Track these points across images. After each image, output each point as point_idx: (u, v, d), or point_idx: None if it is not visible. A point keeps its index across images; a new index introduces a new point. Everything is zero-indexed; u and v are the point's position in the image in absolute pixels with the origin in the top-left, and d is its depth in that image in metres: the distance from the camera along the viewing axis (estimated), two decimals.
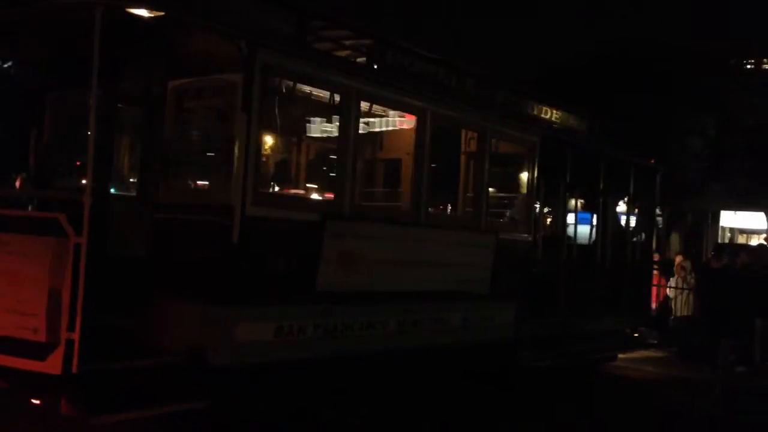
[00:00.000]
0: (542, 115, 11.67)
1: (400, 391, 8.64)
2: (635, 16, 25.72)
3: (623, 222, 13.83)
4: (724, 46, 24.59)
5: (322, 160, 10.10)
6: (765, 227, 29.55)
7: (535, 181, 10.67)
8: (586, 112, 13.27)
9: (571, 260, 11.68)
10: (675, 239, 28.05)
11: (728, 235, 33.84)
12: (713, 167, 21.18)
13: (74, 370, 5.78)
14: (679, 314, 16.63)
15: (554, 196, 12.04)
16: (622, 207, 14.19)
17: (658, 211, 15.28)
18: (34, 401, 6.14)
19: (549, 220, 13.71)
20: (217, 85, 7.30)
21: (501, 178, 11.22)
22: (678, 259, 17.85)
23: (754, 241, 32.32)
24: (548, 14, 28.92)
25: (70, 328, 5.76)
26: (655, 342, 15.30)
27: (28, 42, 7.46)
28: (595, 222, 13.35)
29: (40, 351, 5.84)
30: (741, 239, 33.79)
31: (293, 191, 9.52)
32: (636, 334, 14.34)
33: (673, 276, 17.20)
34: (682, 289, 16.66)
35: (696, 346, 14.76)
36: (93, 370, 5.94)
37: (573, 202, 12.76)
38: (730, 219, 32.90)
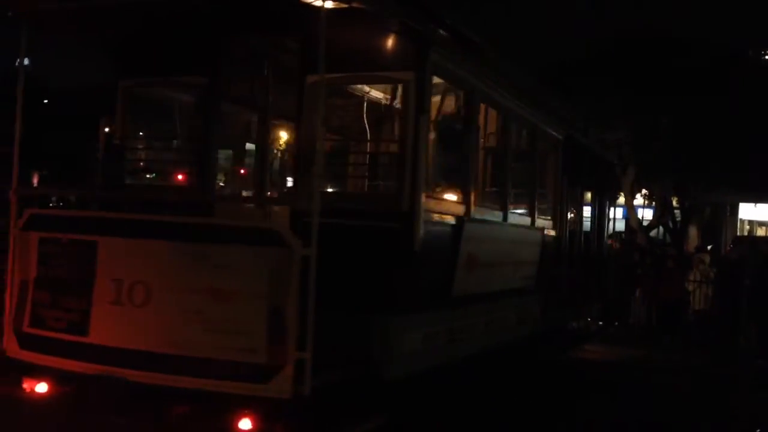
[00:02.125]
0: (562, 113, 11.68)
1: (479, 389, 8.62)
2: (640, 11, 25.55)
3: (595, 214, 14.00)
4: (740, 38, 24.42)
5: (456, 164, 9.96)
6: None
7: (560, 177, 10.77)
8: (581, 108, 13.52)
9: (576, 254, 11.87)
10: (693, 232, 27.86)
11: (747, 227, 33.57)
12: (730, 159, 20.99)
13: (306, 392, 5.25)
14: (697, 308, 16.51)
15: (571, 193, 12.11)
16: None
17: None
18: (242, 428, 5.34)
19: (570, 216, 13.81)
20: (377, 82, 7.03)
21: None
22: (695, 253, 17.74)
23: None
24: (552, 9, 28.77)
25: (300, 347, 5.23)
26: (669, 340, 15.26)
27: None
28: (590, 216, 13.69)
29: (259, 373, 5.30)
30: (760, 231, 33.51)
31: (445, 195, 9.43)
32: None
33: (691, 269, 17.07)
34: (700, 282, 16.54)
35: (713, 340, 14.68)
36: (318, 392, 5.40)
37: (585, 197, 12.95)
38: (748, 211, 32.64)
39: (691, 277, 16.81)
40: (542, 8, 28.93)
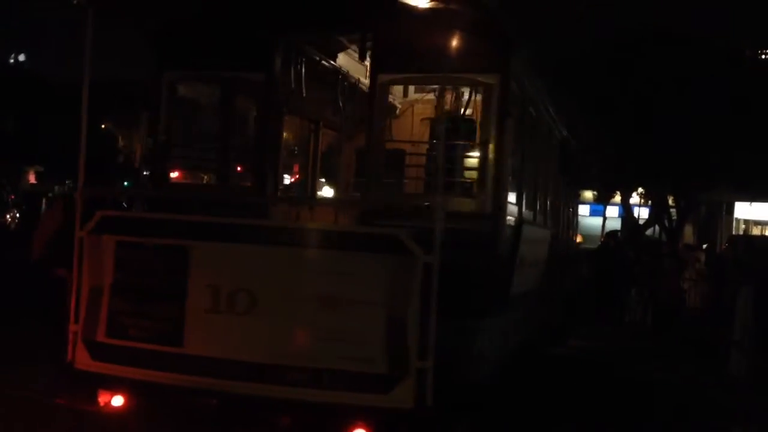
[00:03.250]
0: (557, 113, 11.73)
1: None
2: (636, 9, 25.59)
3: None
4: (737, 37, 24.43)
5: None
6: None
7: (559, 176, 10.95)
8: None
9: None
10: (689, 231, 27.90)
11: (742, 226, 33.62)
12: (727, 158, 21.02)
13: (429, 402, 5.11)
14: (692, 306, 16.56)
15: (565, 193, 12.19)
16: None
17: None
18: None
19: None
20: (459, 84, 6.87)
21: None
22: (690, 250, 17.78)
23: None
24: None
25: (422, 356, 5.09)
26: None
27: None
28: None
29: (379, 384, 5.14)
30: (755, 231, 33.56)
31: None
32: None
33: (686, 268, 17.11)
34: (696, 281, 16.58)
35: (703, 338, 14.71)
36: (440, 401, 5.26)
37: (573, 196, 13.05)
38: (744, 210, 32.68)
39: (687, 276, 16.85)
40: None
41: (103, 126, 66.85)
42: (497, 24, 6.26)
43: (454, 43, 6.07)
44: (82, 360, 5.71)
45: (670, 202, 25.71)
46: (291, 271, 5.35)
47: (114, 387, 5.61)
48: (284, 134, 7.87)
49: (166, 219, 5.86)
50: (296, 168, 9.25)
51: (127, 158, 69.69)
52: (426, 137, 8.96)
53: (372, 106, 6.58)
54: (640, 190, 27.18)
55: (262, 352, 5.33)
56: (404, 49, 6.29)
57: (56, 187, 58.44)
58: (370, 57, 6.72)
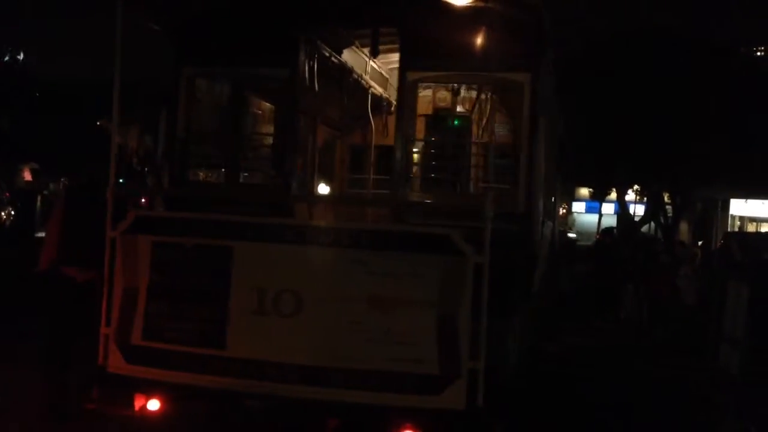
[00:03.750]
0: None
1: None
2: (630, 7, 25.64)
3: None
4: (730, 34, 24.48)
5: None
6: None
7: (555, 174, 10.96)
8: None
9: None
10: (684, 228, 27.96)
11: (738, 223, 33.70)
12: (722, 155, 21.06)
13: (479, 402, 5.11)
14: (687, 303, 16.57)
15: (560, 189, 12.24)
16: None
17: None
18: None
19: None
20: (488, 83, 6.79)
21: None
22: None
23: (764, 229, 32.20)
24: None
25: (473, 356, 5.10)
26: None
27: None
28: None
29: (430, 385, 5.12)
30: (751, 227, 33.64)
31: None
32: None
33: (682, 265, 17.13)
34: (690, 277, 16.60)
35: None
36: (491, 402, 5.26)
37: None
38: (740, 207, 32.75)
39: (682, 273, 16.87)
40: None
41: (98, 123, 66.78)
42: (530, 21, 6.17)
43: (484, 40, 6.01)
44: (116, 363, 5.59)
45: (666, 198, 25.77)
46: (339, 271, 5.30)
47: (150, 391, 5.51)
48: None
49: (207, 219, 5.69)
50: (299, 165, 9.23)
51: (122, 155, 69.73)
52: (422, 133, 8.93)
53: (401, 104, 6.47)
54: (636, 187, 27.24)
55: (311, 354, 5.28)
56: (433, 46, 6.21)
57: (51, 185, 58.34)
58: (400, 54, 6.61)
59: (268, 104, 8.10)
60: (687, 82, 20.49)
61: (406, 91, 6.45)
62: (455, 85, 7.54)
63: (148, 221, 5.73)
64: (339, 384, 5.22)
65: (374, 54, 7.69)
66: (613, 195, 27.33)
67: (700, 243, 21.66)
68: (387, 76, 9.43)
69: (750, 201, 31.58)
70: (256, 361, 5.33)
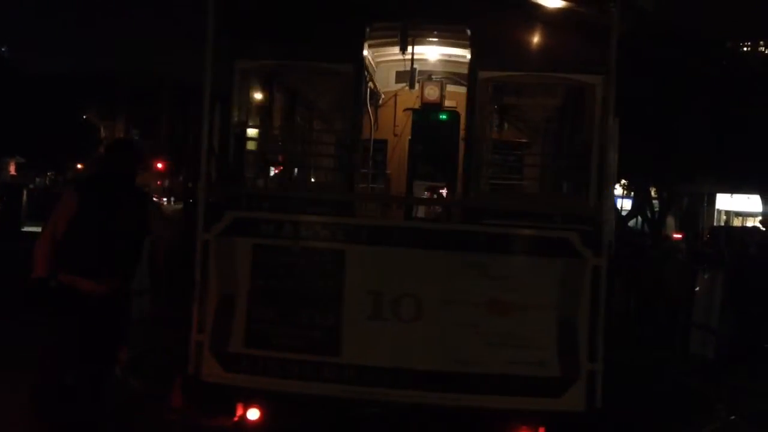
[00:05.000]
0: None
1: None
2: None
3: None
4: (716, 29, 24.55)
5: None
6: (760, 210, 29.58)
7: None
8: None
9: None
10: (671, 222, 28.08)
11: (724, 217, 33.88)
12: (708, 150, 21.16)
13: (599, 404, 5.08)
14: (674, 296, 16.64)
15: None
16: None
17: None
18: None
19: None
20: (559, 84, 6.66)
21: None
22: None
23: (749, 223, 32.39)
24: None
25: (591, 359, 5.08)
26: None
27: None
28: None
29: (550, 387, 5.11)
30: (736, 222, 33.83)
31: None
32: None
33: (668, 259, 17.21)
34: (677, 270, 16.66)
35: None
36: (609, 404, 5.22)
37: None
38: (725, 202, 32.92)
39: (667, 266, 16.94)
40: None
41: (84, 116, 66.51)
42: (602, 23, 6.04)
43: (557, 41, 5.95)
44: (212, 372, 5.32)
45: (653, 193, 25.86)
46: (458, 275, 5.20)
47: (251, 400, 5.31)
48: None
49: (315, 221, 5.46)
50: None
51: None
52: (408, 128, 8.85)
53: (471, 102, 6.33)
54: (623, 181, 27.32)
55: (431, 359, 5.18)
56: (505, 45, 6.13)
57: (37, 179, 58.05)
58: (471, 52, 6.47)
59: (326, 99, 7.89)
60: (673, 76, 20.54)
61: (478, 90, 6.30)
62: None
63: (247, 223, 5.43)
64: (460, 389, 5.16)
65: (403, 50, 7.63)
66: None
67: (681, 236, 21.70)
68: (375, 70, 9.41)
69: (735, 196, 31.75)
70: (372, 367, 5.20)
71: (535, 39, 6.11)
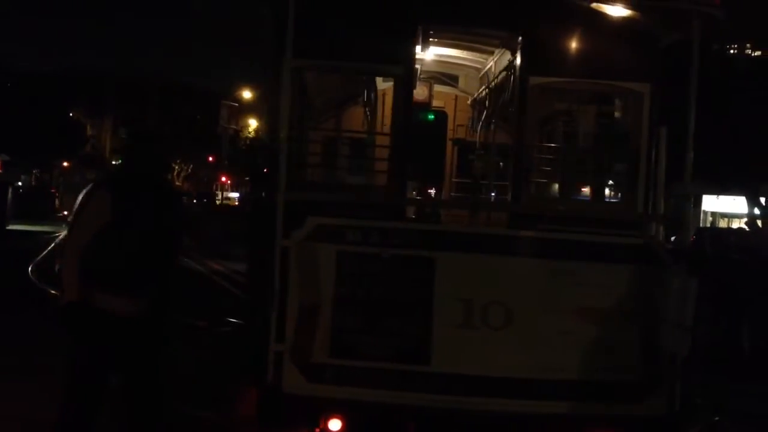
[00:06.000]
0: None
1: None
2: None
3: None
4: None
5: None
6: (746, 211, 29.75)
7: None
8: None
9: None
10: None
11: (710, 219, 34.05)
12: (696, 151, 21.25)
13: (677, 408, 5.21)
14: None
15: None
16: None
17: None
18: None
19: None
20: (607, 92, 6.69)
21: None
22: None
23: (735, 224, 32.57)
24: None
25: (672, 363, 5.20)
26: None
27: None
28: None
29: (633, 393, 5.20)
30: (722, 223, 34.00)
31: None
32: None
33: None
34: None
35: None
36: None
37: None
38: (711, 203, 33.09)
39: None
40: None
41: (71, 114, 66.22)
42: (652, 32, 6.15)
43: (607, 49, 5.97)
44: (293, 382, 5.16)
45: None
46: (547, 282, 5.22)
47: (336, 410, 5.16)
48: None
49: (402, 228, 5.43)
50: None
51: (95, 147, 69.09)
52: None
53: (522, 108, 6.29)
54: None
55: (522, 366, 5.19)
56: (557, 52, 6.15)
57: (23, 176, 57.74)
58: (521, 57, 6.42)
59: (380, 101, 7.70)
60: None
61: (529, 96, 6.27)
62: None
63: (331, 229, 5.27)
64: (548, 396, 5.18)
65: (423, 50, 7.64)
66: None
67: (672, 238, 21.79)
68: None
69: (721, 197, 31.92)
70: (462, 375, 5.17)
71: (586, 46, 6.12)
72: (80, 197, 4.74)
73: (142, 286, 4.69)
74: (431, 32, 6.90)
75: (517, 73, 6.38)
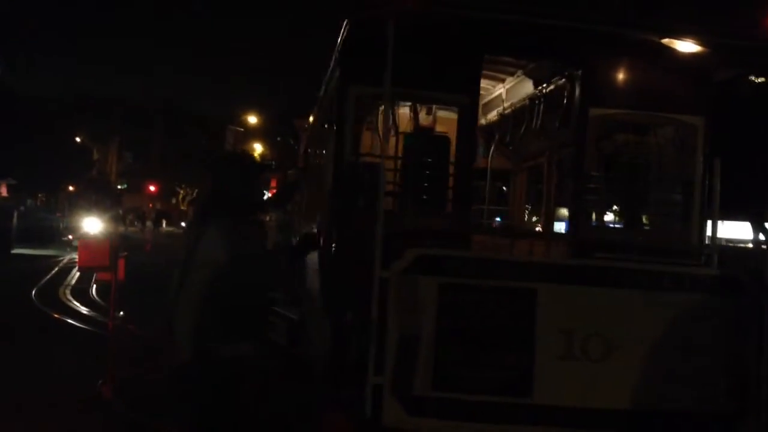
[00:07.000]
0: None
1: None
2: None
3: None
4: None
5: None
6: (751, 237, 29.59)
7: None
8: None
9: None
10: None
11: None
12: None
13: None
14: None
15: None
16: None
17: None
18: None
19: None
20: (663, 124, 6.83)
21: None
22: None
23: None
24: None
25: (759, 393, 5.26)
26: None
27: None
28: None
29: (723, 423, 5.29)
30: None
31: None
32: None
33: None
34: None
35: None
36: None
37: None
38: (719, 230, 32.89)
39: None
40: None
41: (78, 139, 66.59)
42: (705, 67, 6.31)
43: (663, 82, 6.18)
44: (394, 416, 5.07)
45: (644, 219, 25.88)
46: (644, 313, 5.27)
47: None
48: None
49: (503, 259, 5.60)
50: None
51: (101, 172, 69.38)
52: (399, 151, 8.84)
53: (582, 139, 6.51)
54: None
55: (622, 398, 5.22)
56: (615, 84, 6.40)
57: (29, 201, 57.93)
58: (580, 89, 6.63)
59: (443, 129, 7.69)
60: None
61: (588, 128, 6.46)
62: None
63: (432, 260, 5.24)
64: (650, 427, 5.24)
65: None
66: None
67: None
68: None
69: (726, 222, 31.78)
70: (563, 407, 5.17)
71: (645, 79, 6.36)
72: None
73: (244, 334, 4.60)
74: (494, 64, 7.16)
75: (577, 104, 6.58)
